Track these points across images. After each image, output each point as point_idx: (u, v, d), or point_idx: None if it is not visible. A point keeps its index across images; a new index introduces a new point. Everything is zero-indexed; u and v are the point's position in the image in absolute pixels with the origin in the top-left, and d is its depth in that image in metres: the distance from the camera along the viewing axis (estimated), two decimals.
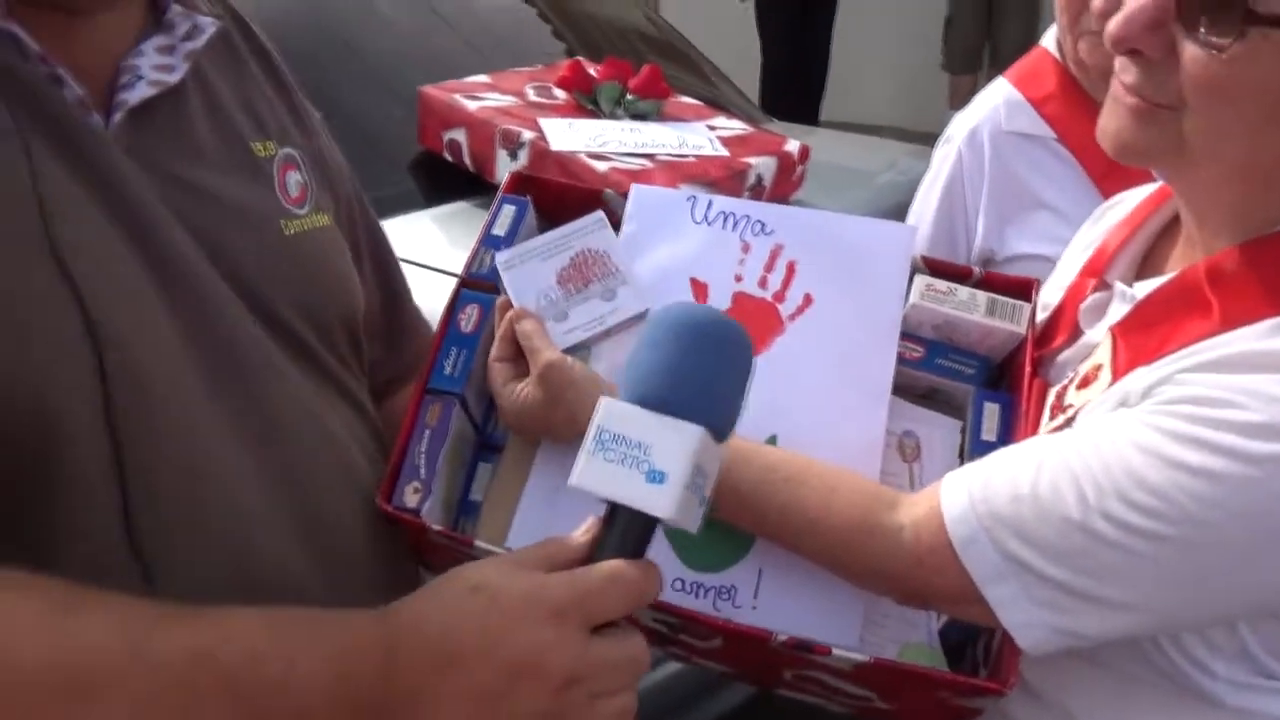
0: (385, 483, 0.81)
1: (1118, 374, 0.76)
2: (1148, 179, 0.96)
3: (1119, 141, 0.75)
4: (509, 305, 0.89)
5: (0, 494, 0.60)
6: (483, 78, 1.99)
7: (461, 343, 0.88)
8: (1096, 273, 0.90)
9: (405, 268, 1.03)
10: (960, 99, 5.79)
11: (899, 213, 1.67)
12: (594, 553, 0.61)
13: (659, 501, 0.59)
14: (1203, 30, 0.67)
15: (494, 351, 0.87)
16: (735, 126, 2.06)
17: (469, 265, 0.93)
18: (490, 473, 0.90)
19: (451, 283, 0.93)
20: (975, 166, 1.44)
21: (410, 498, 0.81)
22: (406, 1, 2.49)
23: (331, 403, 0.79)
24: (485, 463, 0.91)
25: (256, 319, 0.73)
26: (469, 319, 0.89)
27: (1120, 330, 0.79)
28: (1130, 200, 0.98)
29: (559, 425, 0.82)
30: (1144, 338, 0.76)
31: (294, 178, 0.82)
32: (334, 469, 0.77)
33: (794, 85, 5.54)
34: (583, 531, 0.63)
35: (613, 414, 0.61)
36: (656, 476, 0.59)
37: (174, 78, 0.73)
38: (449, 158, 1.90)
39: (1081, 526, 0.68)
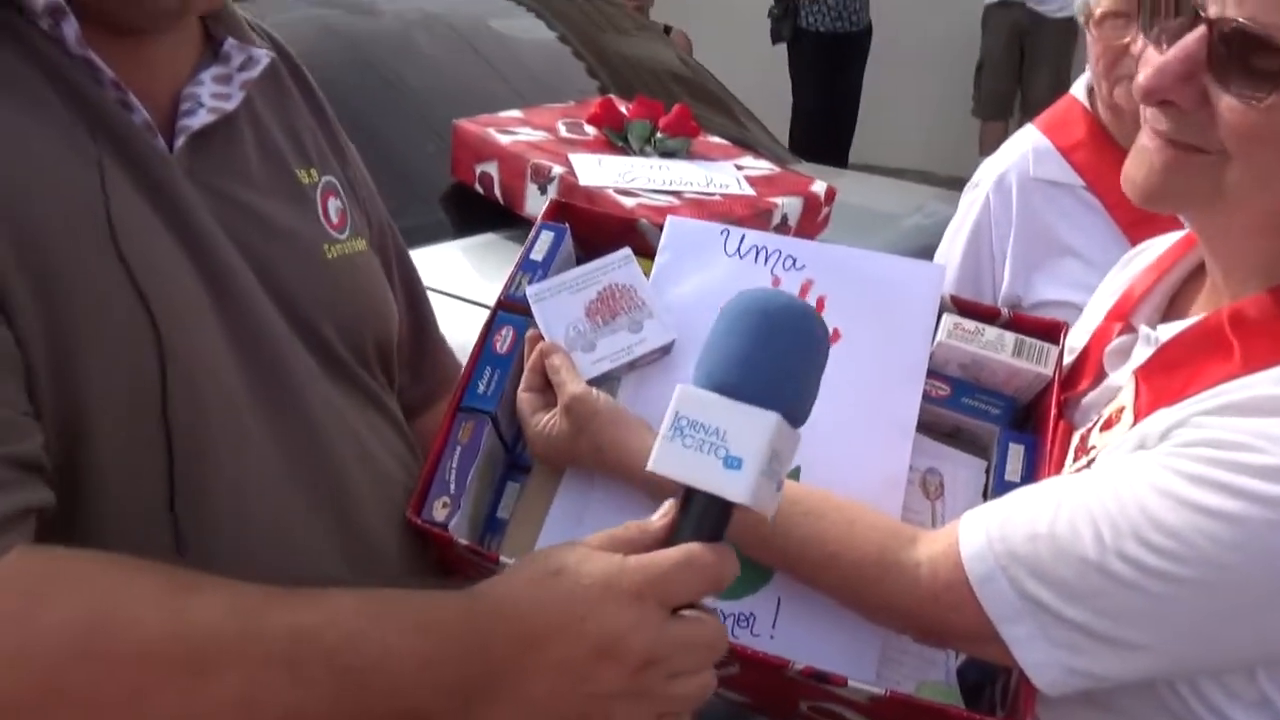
0: (416, 496, 0.83)
1: (1139, 416, 0.77)
2: (1176, 226, 0.97)
3: (1148, 187, 0.76)
4: (539, 338, 0.91)
5: (55, 490, 0.63)
6: (516, 113, 2.04)
7: (496, 363, 0.90)
8: (1122, 317, 0.91)
9: (433, 296, 1.06)
10: (990, 145, 5.79)
11: (924, 256, 1.68)
12: (670, 537, 0.62)
13: (736, 487, 0.59)
14: (1238, 83, 0.68)
15: (523, 383, 0.89)
16: (762, 166, 2.09)
17: (506, 288, 0.95)
18: (518, 492, 0.92)
19: (477, 312, 0.96)
20: (1003, 212, 1.46)
21: (439, 512, 0.83)
22: (446, 40, 2.56)
23: (368, 418, 0.83)
24: (514, 482, 0.92)
25: (298, 336, 0.77)
26: (504, 340, 0.91)
27: (1143, 373, 0.80)
28: (1157, 247, 0.99)
29: (584, 455, 0.84)
30: (1166, 380, 0.77)
31: (334, 204, 0.86)
32: (370, 481, 0.79)
33: (823, 129, 5.61)
34: (660, 516, 0.63)
35: (690, 400, 0.61)
36: (733, 462, 0.59)
37: (231, 105, 0.77)
38: (480, 190, 1.94)
39: (1099, 567, 0.68)
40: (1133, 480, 0.70)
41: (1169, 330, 0.81)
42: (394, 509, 0.82)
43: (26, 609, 0.55)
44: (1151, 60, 0.73)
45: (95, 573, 0.58)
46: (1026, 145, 1.47)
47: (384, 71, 2.34)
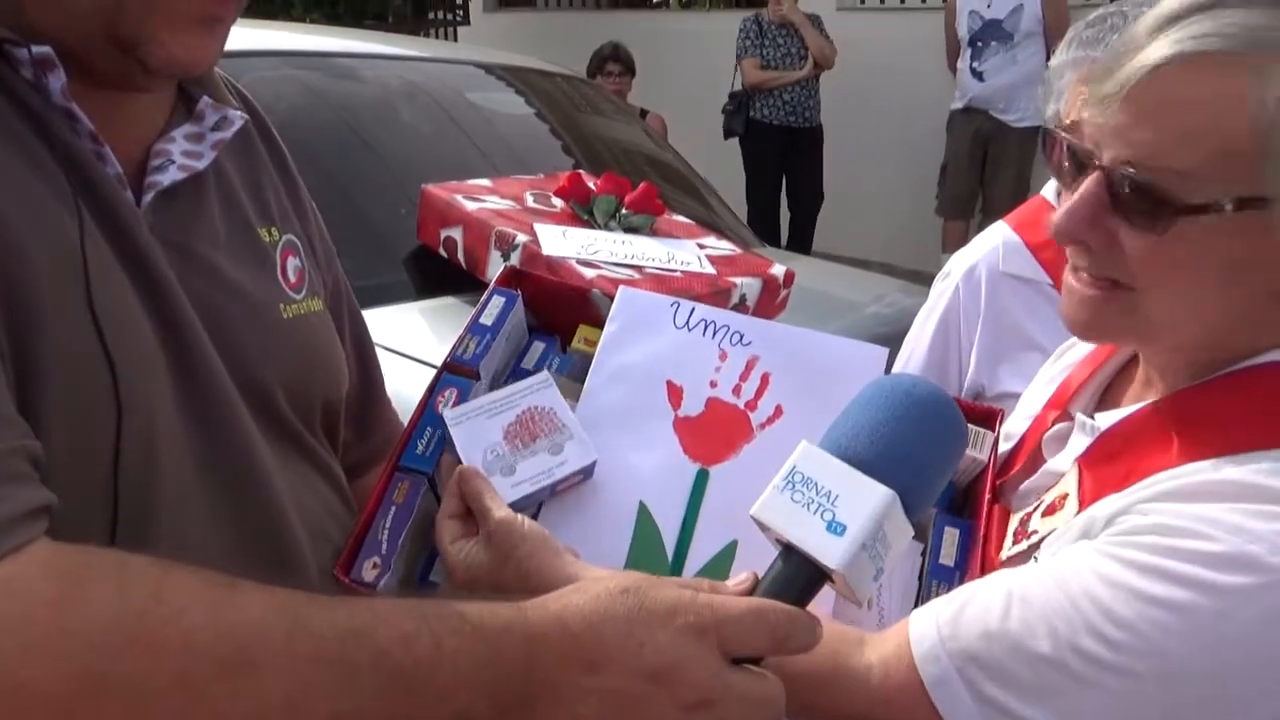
0: (345, 554, 0.82)
1: (1084, 503, 0.78)
2: None
3: (1082, 324, 0.80)
4: (455, 464, 0.86)
5: None
6: (484, 181, 2.07)
7: (437, 424, 0.89)
8: (1060, 405, 0.93)
9: (388, 356, 1.07)
10: (953, 242, 5.97)
11: (880, 343, 1.71)
12: (753, 591, 0.61)
13: (833, 551, 0.58)
14: (1138, 219, 0.72)
15: (442, 509, 0.83)
16: (724, 247, 2.13)
17: (454, 350, 0.95)
18: None
19: (430, 374, 0.96)
20: (972, 303, 1.50)
21: (369, 572, 0.81)
22: (425, 109, 2.61)
23: (309, 480, 0.82)
24: None
25: (246, 397, 0.76)
26: (447, 402, 0.91)
27: (1085, 461, 0.82)
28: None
29: (509, 583, 0.76)
30: (1109, 469, 0.78)
31: (293, 263, 0.86)
32: (310, 543, 0.79)
33: (775, 219, 5.79)
34: (735, 582, 0.63)
35: (810, 457, 0.61)
36: (837, 528, 0.59)
37: (201, 165, 0.78)
38: (444, 254, 1.96)
39: (1056, 665, 0.68)
40: (1082, 572, 0.70)
41: (1107, 419, 0.83)
42: (332, 571, 0.81)
43: (68, 594, 0.53)
44: (1063, 204, 0.77)
45: (133, 564, 0.56)
46: (997, 240, 1.52)
47: (363, 135, 2.38)
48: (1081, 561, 0.71)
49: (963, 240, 5.86)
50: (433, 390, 0.92)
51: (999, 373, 1.45)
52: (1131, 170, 0.71)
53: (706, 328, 0.97)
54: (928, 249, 6.11)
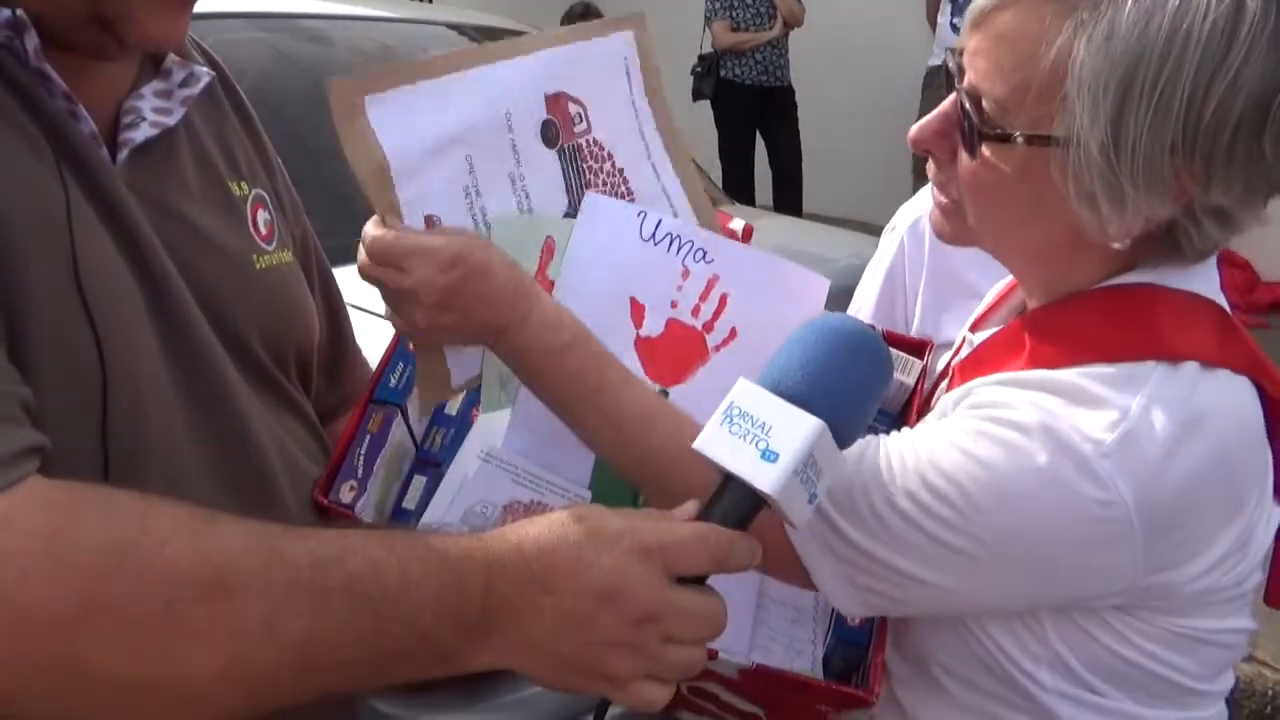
0: (323, 479, 0.88)
1: None
2: None
3: (935, 227, 0.89)
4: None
5: None
6: None
7: (409, 359, 0.95)
8: (973, 329, 1.01)
9: (358, 314, 1.10)
10: None
11: (845, 295, 1.77)
12: (697, 518, 0.66)
13: (767, 477, 0.63)
14: (965, 139, 0.79)
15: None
16: None
17: None
18: (423, 483, 0.97)
19: (386, 325, 1.00)
20: (916, 255, 1.55)
21: (345, 494, 0.88)
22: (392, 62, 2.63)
23: (286, 423, 0.87)
24: (420, 475, 0.97)
25: (226, 346, 0.81)
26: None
27: (958, 367, 0.90)
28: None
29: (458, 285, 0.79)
30: (971, 373, 0.85)
31: (263, 216, 0.90)
32: (292, 483, 0.84)
33: (745, 180, 5.79)
34: (687, 507, 0.68)
35: (745, 393, 0.66)
36: (770, 455, 0.63)
37: (172, 120, 0.81)
38: None
39: (884, 497, 0.76)
40: (927, 433, 0.79)
41: (982, 335, 0.91)
42: (312, 507, 0.86)
43: (60, 525, 0.58)
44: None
45: (119, 499, 0.61)
46: None
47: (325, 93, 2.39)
48: (930, 428, 0.80)
49: None
50: None
51: (943, 321, 1.51)
52: (969, 97, 0.78)
53: (672, 242, 0.99)
54: (901, 204, 6.17)
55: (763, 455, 0.63)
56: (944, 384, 0.93)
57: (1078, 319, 0.81)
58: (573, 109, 0.92)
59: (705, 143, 5.76)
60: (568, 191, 0.93)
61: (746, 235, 2.13)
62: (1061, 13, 0.72)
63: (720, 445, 0.65)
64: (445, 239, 0.81)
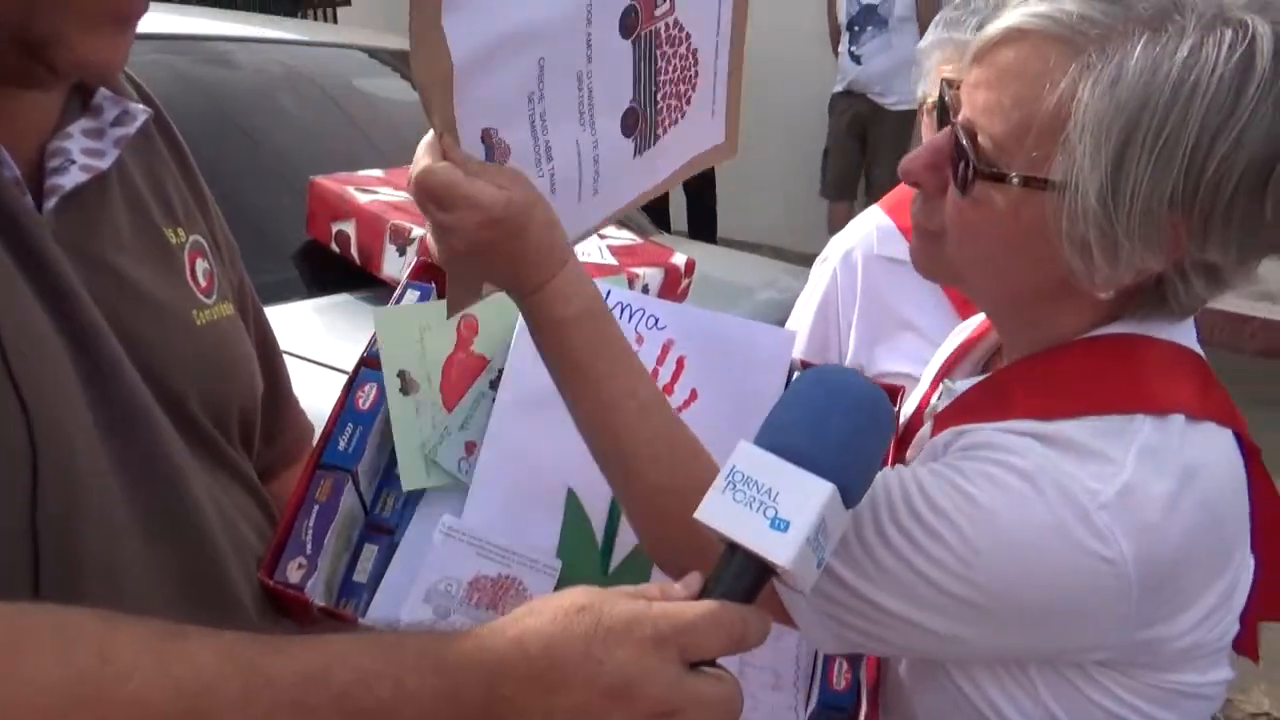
0: (268, 557, 0.81)
1: None
2: None
3: (915, 261, 0.86)
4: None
5: None
6: (376, 172, 2.02)
7: (358, 420, 0.89)
8: (941, 381, 0.99)
9: (292, 361, 1.03)
10: (838, 224, 6.11)
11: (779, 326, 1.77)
12: (702, 592, 0.61)
13: (778, 549, 0.58)
14: (957, 176, 0.77)
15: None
16: (625, 237, 2.15)
17: (370, 345, 0.94)
18: (374, 552, 0.90)
19: (327, 375, 0.94)
20: (849, 286, 1.55)
21: (294, 573, 0.81)
22: (307, 96, 2.53)
23: (230, 492, 0.80)
24: (371, 543, 0.90)
25: (165, 410, 0.74)
26: (366, 397, 0.90)
27: (939, 420, 0.88)
28: (977, 321, 1.09)
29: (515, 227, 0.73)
30: (958, 424, 0.83)
31: (202, 265, 0.83)
32: (238, 559, 0.77)
33: (663, 203, 5.83)
34: (682, 585, 0.63)
35: (748, 457, 0.61)
36: (780, 524, 0.59)
37: (105, 164, 0.73)
38: (336, 249, 1.90)
39: (875, 530, 0.73)
40: (921, 471, 0.76)
41: (964, 385, 0.89)
42: (255, 576, 0.80)
43: (7, 666, 0.51)
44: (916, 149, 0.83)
45: (73, 622, 0.54)
46: (871, 224, 1.58)
47: (241, 124, 2.29)
48: (917, 465, 0.77)
49: (847, 221, 6.06)
50: (351, 386, 0.91)
51: (876, 353, 1.52)
52: (965, 132, 0.76)
53: (623, 311, 1.00)
54: (815, 232, 6.27)
55: (772, 524, 0.60)
56: (924, 429, 0.91)
57: (1064, 371, 0.79)
58: None
59: None
60: (635, 83, 0.84)
61: (689, 269, 2.14)
62: (1067, 53, 0.71)
63: (725, 515, 0.61)
64: (493, 193, 0.74)
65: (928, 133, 1.48)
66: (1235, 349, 4.73)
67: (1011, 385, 0.82)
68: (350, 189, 1.90)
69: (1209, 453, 0.75)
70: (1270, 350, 4.82)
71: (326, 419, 0.91)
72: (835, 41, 5.94)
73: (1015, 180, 0.73)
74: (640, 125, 0.86)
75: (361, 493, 0.90)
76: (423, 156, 0.75)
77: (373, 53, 2.97)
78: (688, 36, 0.86)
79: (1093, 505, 0.70)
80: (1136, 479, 0.71)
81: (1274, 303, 4.82)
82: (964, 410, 0.85)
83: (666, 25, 0.84)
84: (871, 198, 6.11)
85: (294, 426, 1.01)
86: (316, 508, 0.84)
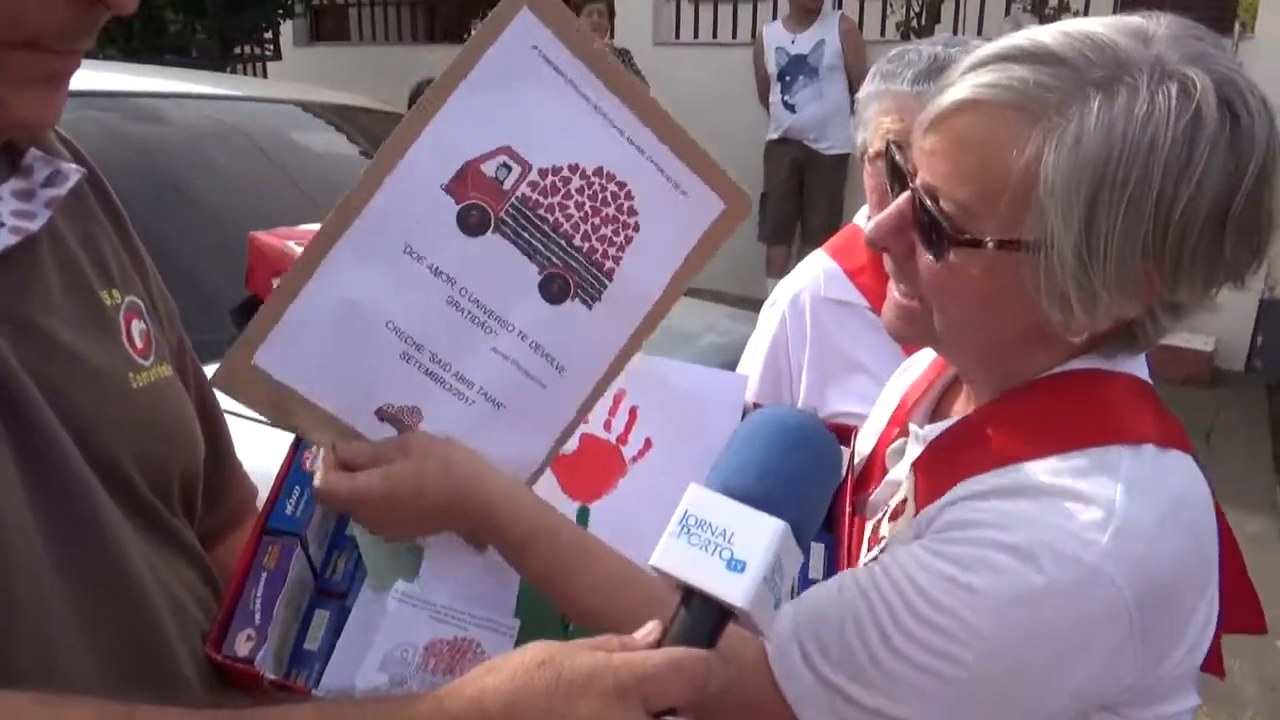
0: (215, 629, 0.77)
1: (920, 506, 0.85)
2: None
3: (893, 330, 0.88)
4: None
5: None
6: (317, 226, 2.00)
7: (305, 481, 0.86)
8: (900, 421, 1.00)
9: (234, 420, 1.00)
10: (777, 268, 6.26)
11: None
12: (662, 639, 0.60)
13: (736, 590, 0.58)
14: (927, 241, 0.79)
15: (324, 468, 0.80)
16: None
17: None
18: (325, 619, 0.87)
19: (272, 434, 0.92)
20: (798, 329, 1.57)
21: (242, 646, 0.77)
22: (240, 150, 2.50)
23: (173, 563, 0.77)
24: (322, 610, 0.87)
25: (102, 480, 0.71)
26: (314, 458, 0.87)
27: (919, 468, 0.89)
28: (925, 358, 1.10)
29: (432, 483, 0.78)
30: (939, 475, 0.85)
31: (138, 327, 0.81)
32: (180, 632, 0.74)
33: None
34: (644, 633, 0.62)
35: (700, 500, 0.61)
36: (737, 565, 0.59)
37: (35, 225, 0.71)
38: None
39: (884, 643, 0.73)
40: (906, 564, 0.76)
41: (935, 429, 0.90)
42: (199, 650, 0.76)
43: None
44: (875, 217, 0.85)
45: (11, 707, 0.51)
46: (818, 267, 1.60)
47: (174, 179, 2.25)
48: (907, 555, 0.77)
49: (786, 265, 6.16)
50: (298, 446, 0.89)
51: (828, 394, 1.53)
52: (927, 196, 0.78)
53: None
54: (753, 275, 6.36)
55: (729, 565, 0.59)
56: (898, 474, 0.90)
57: (1037, 409, 0.81)
58: (491, 167, 0.78)
59: None
60: (532, 255, 0.81)
61: None
62: (1025, 119, 0.73)
63: (681, 559, 0.60)
64: (372, 478, 0.78)
65: (871, 180, 1.51)
66: (1164, 378, 4.87)
67: (986, 429, 0.83)
68: (292, 243, 1.88)
69: (1183, 477, 0.78)
70: (1192, 379, 5.00)
71: (273, 480, 0.88)
72: (763, 92, 6.08)
73: (990, 244, 0.75)
74: (572, 281, 0.83)
75: (311, 557, 0.87)
76: (321, 470, 0.80)
77: (306, 106, 2.95)
78: (572, 170, 0.80)
79: (1093, 558, 0.71)
80: (1127, 518, 0.72)
81: (1193, 332, 5.01)
82: (943, 457, 0.86)
83: (533, 183, 0.80)
84: (808, 241, 6.25)
85: (237, 489, 0.98)
86: (265, 575, 0.81)
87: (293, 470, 0.87)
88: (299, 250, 1.84)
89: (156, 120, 2.44)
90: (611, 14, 5.72)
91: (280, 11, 7.54)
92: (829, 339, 1.55)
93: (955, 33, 5.81)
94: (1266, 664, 2.81)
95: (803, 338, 1.56)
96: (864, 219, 1.62)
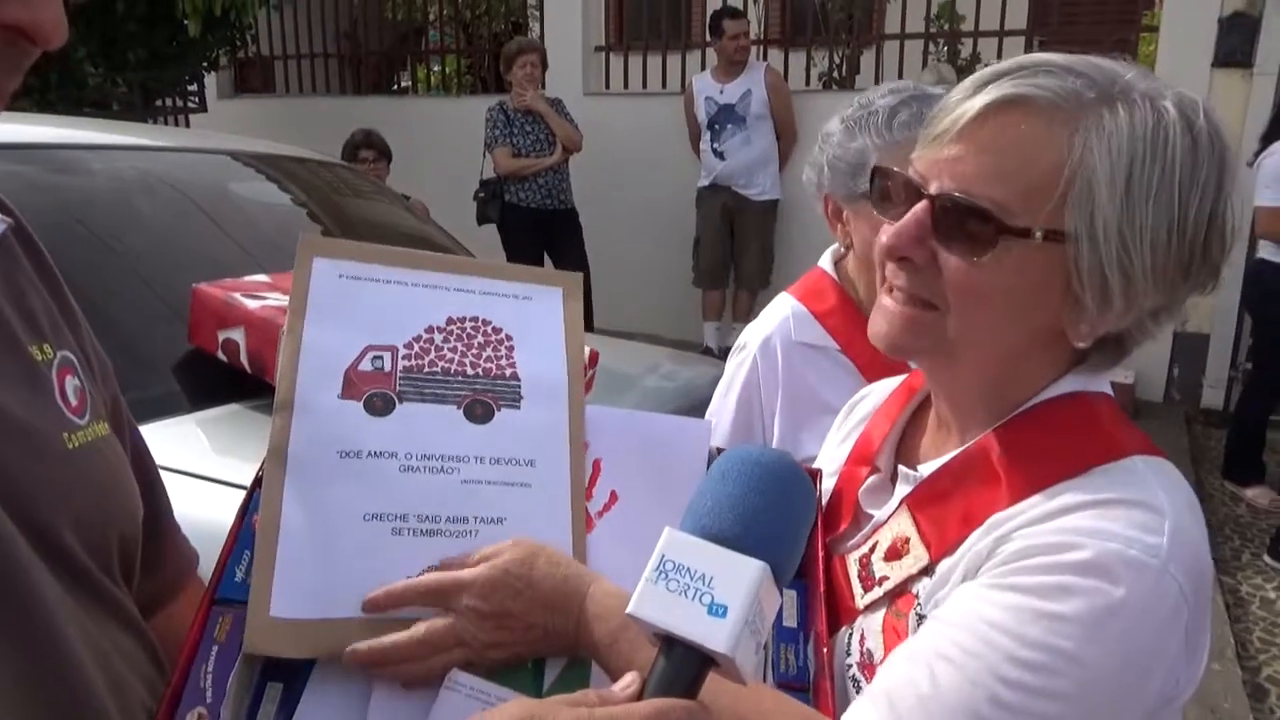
0: (163, 709, 0.72)
1: (932, 544, 0.84)
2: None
3: (890, 339, 0.87)
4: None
5: None
6: (262, 277, 1.94)
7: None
8: (866, 460, 0.99)
9: (169, 476, 0.96)
10: (712, 311, 6.33)
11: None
12: (644, 690, 0.58)
13: (719, 635, 0.57)
14: (958, 245, 0.80)
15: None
16: None
17: (263, 464, 0.87)
18: (279, 693, 0.81)
19: (220, 491, 0.88)
20: (770, 373, 1.56)
21: None
22: (169, 201, 2.43)
23: (112, 634, 0.73)
24: (274, 682, 0.82)
25: (36, 549, 0.67)
26: None
27: (914, 504, 0.88)
28: (876, 394, 1.10)
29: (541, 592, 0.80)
30: (942, 510, 0.84)
31: (72, 383, 0.77)
32: (115, 705, 0.69)
33: None
34: (622, 686, 0.61)
35: (676, 544, 0.59)
36: (717, 610, 0.57)
37: None
38: (223, 357, 1.80)
39: (991, 700, 0.71)
40: (982, 609, 0.74)
41: (929, 467, 0.89)
42: None
43: None
44: (890, 228, 0.85)
45: None
46: (786, 311, 1.59)
47: (99, 233, 2.17)
48: (977, 601, 0.75)
49: (720, 308, 6.22)
50: (247, 508, 0.84)
51: (801, 438, 1.52)
52: (957, 195, 0.79)
53: None
54: (689, 319, 6.40)
55: (710, 610, 0.58)
56: (899, 521, 0.89)
57: (1037, 436, 0.82)
58: (367, 364, 0.90)
59: None
60: (443, 401, 0.91)
61: (593, 360, 2.11)
62: (1063, 118, 0.77)
63: (660, 607, 0.58)
64: (479, 568, 0.80)
65: (862, 229, 1.49)
66: None
67: (989, 461, 0.83)
68: (237, 295, 1.82)
69: (1179, 477, 0.81)
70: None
71: (220, 547, 0.83)
72: (695, 140, 6.17)
73: (1038, 235, 0.78)
74: (489, 399, 0.91)
75: None
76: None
77: (237, 156, 2.89)
78: (430, 329, 0.93)
79: (1159, 560, 0.72)
80: (1175, 513, 0.75)
81: (1124, 367, 5.17)
82: (946, 493, 0.85)
83: (407, 356, 0.90)
84: (741, 285, 6.32)
85: (176, 555, 0.93)
86: (215, 649, 0.76)
87: (241, 534, 0.82)
88: (245, 301, 1.79)
89: (79, 173, 2.36)
90: (544, 64, 5.77)
91: (205, 64, 7.42)
92: (801, 382, 1.55)
93: (876, 83, 5.98)
94: (1204, 685, 2.87)
95: (775, 382, 1.56)
96: (829, 263, 1.62)
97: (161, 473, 0.95)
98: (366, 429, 0.86)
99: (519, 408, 0.91)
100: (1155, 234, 0.77)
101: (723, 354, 5.84)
